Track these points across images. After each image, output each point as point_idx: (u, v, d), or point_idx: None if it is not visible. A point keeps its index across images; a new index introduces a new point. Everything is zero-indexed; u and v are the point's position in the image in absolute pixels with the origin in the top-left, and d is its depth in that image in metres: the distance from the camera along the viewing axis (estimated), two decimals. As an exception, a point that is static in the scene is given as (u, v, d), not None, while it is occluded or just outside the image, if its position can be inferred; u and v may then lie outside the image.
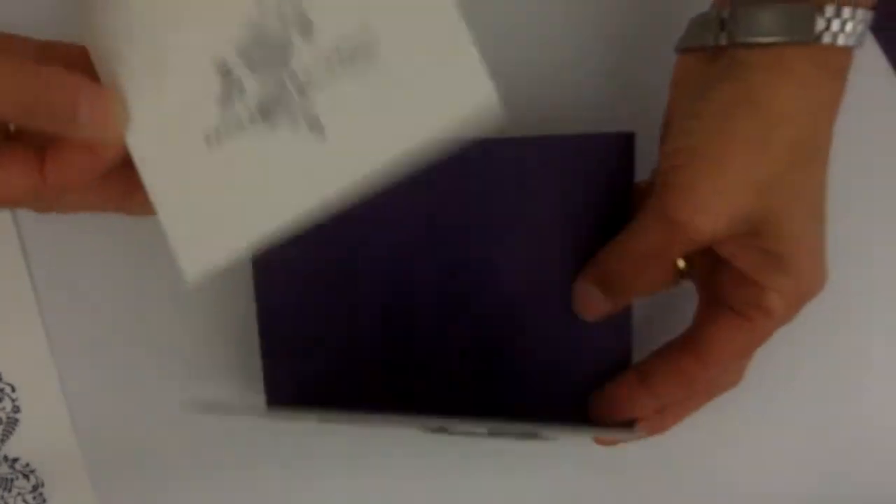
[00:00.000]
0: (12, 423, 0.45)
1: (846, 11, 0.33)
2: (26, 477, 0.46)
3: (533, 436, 0.42)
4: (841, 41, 0.33)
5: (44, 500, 0.46)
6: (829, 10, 0.33)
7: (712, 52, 0.35)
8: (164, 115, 0.36)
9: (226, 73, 0.36)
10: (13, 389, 0.45)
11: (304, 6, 0.35)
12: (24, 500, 0.46)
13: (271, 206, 0.36)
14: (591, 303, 0.38)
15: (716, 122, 0.34)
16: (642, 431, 0.39)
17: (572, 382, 0.39)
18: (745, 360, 0.39)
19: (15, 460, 0.46)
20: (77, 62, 0.36)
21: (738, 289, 0.36)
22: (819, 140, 0.35)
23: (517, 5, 0.43)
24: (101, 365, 0.46)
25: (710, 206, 0.34)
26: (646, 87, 0.40)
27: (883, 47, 0.40)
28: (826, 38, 0.33)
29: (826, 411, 0.43)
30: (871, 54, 0.41)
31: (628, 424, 0.39)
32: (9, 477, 0.46)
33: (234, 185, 0.36)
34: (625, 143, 0.39)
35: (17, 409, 0.45)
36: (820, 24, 0.33)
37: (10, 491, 0.46)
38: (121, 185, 0.37)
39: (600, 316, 0.38)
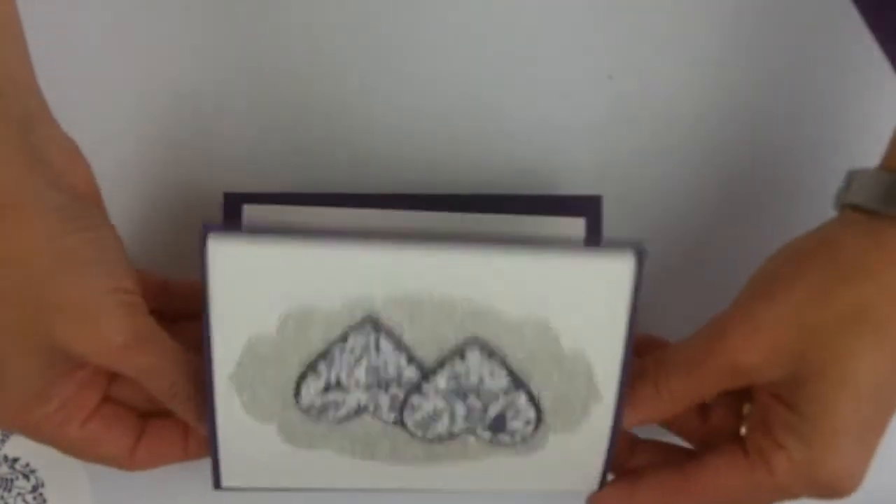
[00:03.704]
0: (12, 424, 0.45)
1: None
2: (26, 477, 0.46)
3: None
4: None
5: (44, 501, 0.46)
6: None
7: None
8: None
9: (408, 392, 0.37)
10: (13, 390, 0.45)
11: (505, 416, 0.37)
12: (24, 501, 0.46)
13: (343, 472, 0.39)
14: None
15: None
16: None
17: None
18: None
19: (15, 460, 0.46)
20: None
21: (755, 432, 0.37)
22: None
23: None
24: (100, 365, 0.45)
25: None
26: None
27: (883, 47, 0.40)
28: None
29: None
30: (870, 53, 0.41)
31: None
32: (9, 477, 0.46)
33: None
34: (592, 208, 0.39)
35: (16, 410, 0.45)
36: None
37: (10, 491, 0.46)
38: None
39: None
